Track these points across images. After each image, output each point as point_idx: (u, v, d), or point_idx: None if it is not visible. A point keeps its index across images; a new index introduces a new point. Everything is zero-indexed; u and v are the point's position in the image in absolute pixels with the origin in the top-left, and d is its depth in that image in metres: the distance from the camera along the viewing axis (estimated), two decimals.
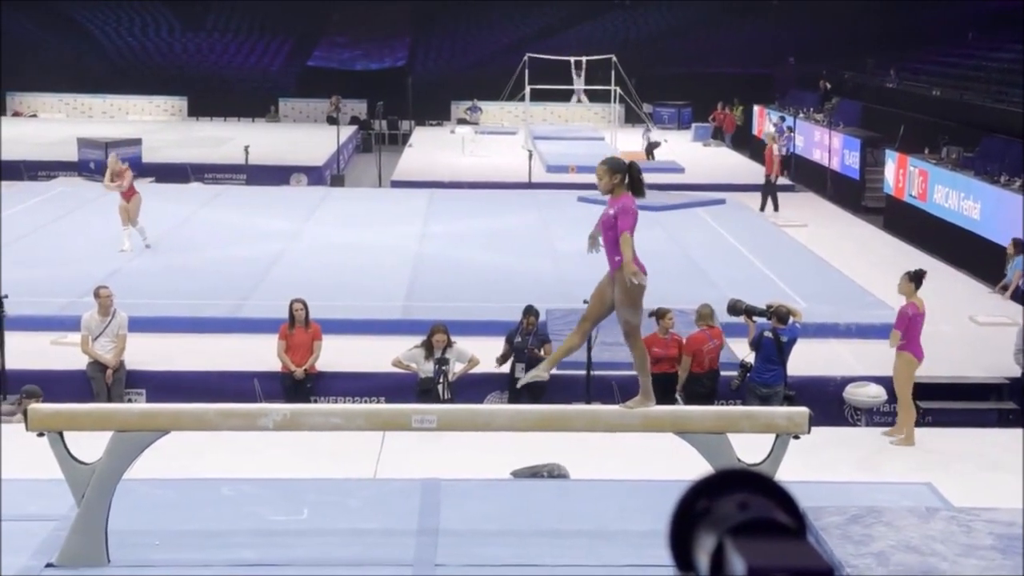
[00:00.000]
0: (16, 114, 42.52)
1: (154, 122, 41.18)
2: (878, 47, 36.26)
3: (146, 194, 19.39)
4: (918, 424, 11.49)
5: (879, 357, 12.45)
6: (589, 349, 12.68)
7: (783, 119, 33.80)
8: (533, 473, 9.87)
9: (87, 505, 7.56)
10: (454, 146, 33.40)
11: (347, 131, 36.16)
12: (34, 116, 42.45)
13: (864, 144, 28.00)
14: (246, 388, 12.97)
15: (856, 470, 10.43)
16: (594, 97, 38.35)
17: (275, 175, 29.18)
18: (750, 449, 7.78)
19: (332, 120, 38.36)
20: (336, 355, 13.43)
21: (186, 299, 15.83)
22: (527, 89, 34.72)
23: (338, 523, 8.54)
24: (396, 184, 28.59)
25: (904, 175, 24.11)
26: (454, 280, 17.35)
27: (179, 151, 31.63)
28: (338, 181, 30.20)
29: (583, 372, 12.44)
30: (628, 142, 34.56)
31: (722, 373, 12.63)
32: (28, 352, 13.34)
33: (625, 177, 7.47)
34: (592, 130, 39.67)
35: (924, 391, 12.99)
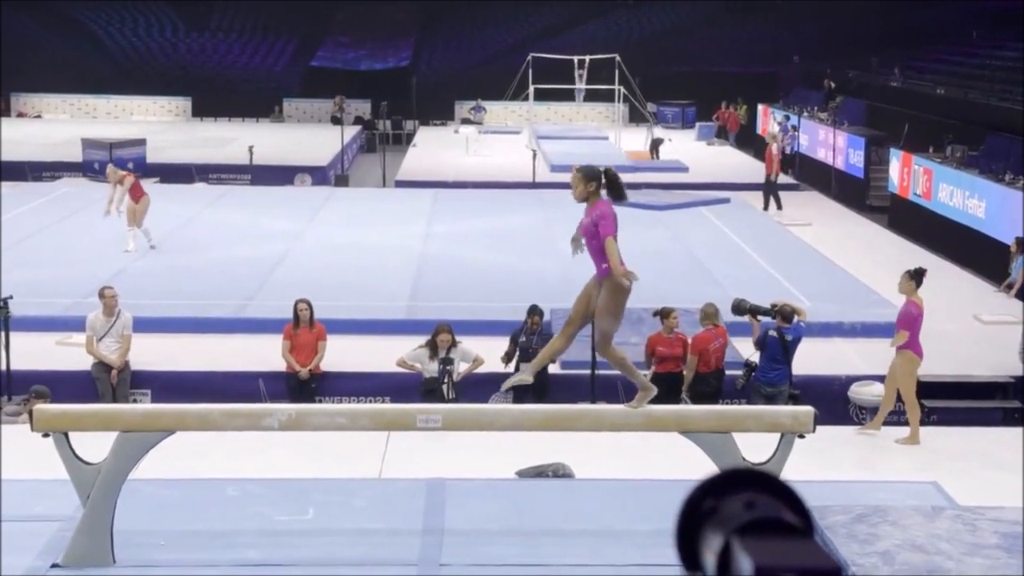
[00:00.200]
0: (21, 115, 42.57)
1: (158, 122, 41.21)
2: (882, 46, 36.23)
3: (150, 194, 19.38)
4: (922, 423, 11.47)
5: (884, 356, 12.42)
6: (593, 349, 12.68)
7: (787, 118, 33.78)
8: (538, 473, 9.86)
9: (92, 505, 7.57)
10: (458, 146, 33.40)
11: (351, 131, 36.17)
12: (38, 117, 42.49)
13: (868, 143, 27.97)
14: (251, 388, 12.97)
15: (861, 469, 10.43)
16: (598, 97, 38.33)
17: (279, 175, 29.19)
18: (755, 448, 7.78)
19: (336, 120, 38.37)
20: (341, 355, 13.43)
21: (191, 299, 15.84)
22: (531, 89, 34.70)
23: (343, 523, 8.55)
24: (400, 184, 28.60)
25: (908, 174, 24.09)
26: (458, 280, 17.35)
27: (183, 151, 31.65)
28: (342, 181, 30.22)
29: (587, 372, 12.43)
30: (632, 141, 34.56)
31: (727, 372, 12.61)
32: (33, 352, 13.36)
33: (600, 184, 7.48)
34: (596, 130, 39.68)
35: (929, 390, 12.98)
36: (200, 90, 43.38)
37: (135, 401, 12.78)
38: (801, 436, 7.77)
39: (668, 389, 12.11)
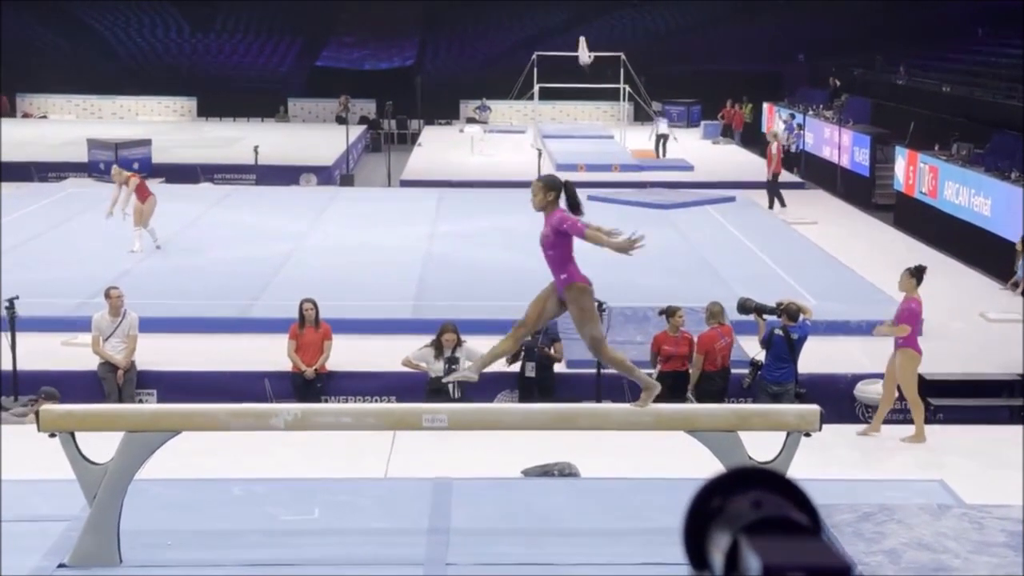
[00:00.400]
0: (26, 115, 42.63)
1: (164, 123, 41.25)
2: (888, 44, 36.19)
3: (156, 195, 19.39)
4: (927, 421, 11.45)
5: (890, 354, 12.41)
6: None
7: (793, 116, 33.76)
8: (544, 472, 9.86)
9: (99, 505, 7.57)
10: (463, 145, 33.39)
11: (356, 131, 36.18)
12: (44, 117, 42.53)
13: (874, 141, 27.93)
14: (257, 388, 12.99)
15: (867, 467, 10.41)
16: (603, 95, 38.35)
17: (285, 175, 29.20)
18: (761, 447, 7.77)
19: (341, 120, 38.36)
20: (346, 355, 13.43)
21: (196, 299, 15.86)
22: (536, 88, 34.68)
23: (349, 523, 8.55)
24: (405, 183, 28.60)
25: (914, 172, 24.06)
26: (464, 279, 17.35)
27: (189, 152, 31.67)
28: (347, 181, 30.23)
29: (593, 371, 12.43)
30: (637, 140, 34.54)
31: (733, 371, 12.60)
32: (39, 353, 13.36)
33: (559, 195, 7.49)
34: (601, 128, 39.67)
35: (935, 388, 12.97)
36: (205, 90, 43.41)
37: (141, 401, 12.80)
38: (807, 435, 7.76)
39: (674, 388, 12.11)
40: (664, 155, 32.31)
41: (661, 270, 17.42)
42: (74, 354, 13.56)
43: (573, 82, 36.34)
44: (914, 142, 25.28)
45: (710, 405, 10.33)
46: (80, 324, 13.89)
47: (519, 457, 10.00)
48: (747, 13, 44.00)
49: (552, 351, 12.74)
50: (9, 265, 16.78)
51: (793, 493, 1.42)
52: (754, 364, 12.46)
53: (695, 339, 12.50)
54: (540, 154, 28.51)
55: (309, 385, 12.90)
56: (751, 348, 12.93)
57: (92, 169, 28.17)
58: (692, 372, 12.34)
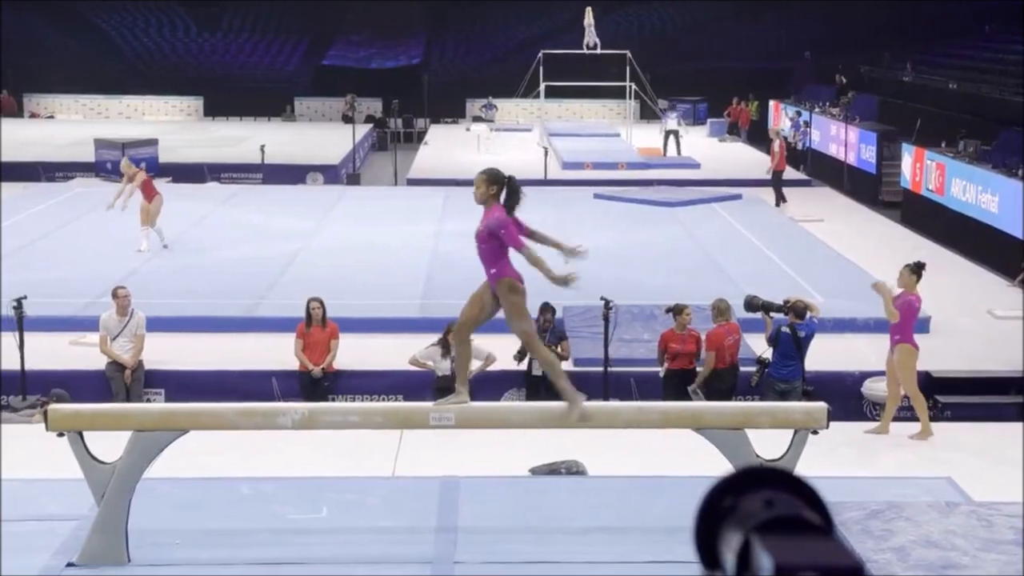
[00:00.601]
0: (33, 115, 42.70)
1: (170, 122, 41.30)
2: (894, 41, 36.15)
3: (163, 194, 19.41)
4: (935, 419, 11.44)
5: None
6: (606, 346, 12.68)
7: (799, 114, 33.72)
8: (551, 470, 9.86)
9: (107, 504, 7.58)
10: (469, 144, 33.39)
11: (362, 129, 36.20)
12: (51, 117, 42.61)
13: (880, 138, 27.89)
14: (264, 387, 13.00)
15: (875, 465, 10.39)
16: (609, 94, 38.33)
17: (291, 174, 29.22)
18: (769, 445, 7.76)
19: (347, 119, 38.40)
20: (353, 353, 13.44)
21: (203, 299, 15.87)
22: (542, 86, 34.68)
23: (357, 521, 8.56)
24: (412, 182, 28.62)
25: (921, 169, 24.02)
26: (470, 277, 17.18)
27: (195, 151, 31.70)
28: (354, 180, 30.25)
29: (600, 369, 12.42)
30: (643, 138, 34.52)
31: (740, 368, 12.58)
32: (47, 352, 13.39)
33: (501, 189, 7.45)
34: (607, 126, 39.66)
35: (942, 385, 12.95)
36: (212, 90, 43.47)
37: (149, 400, 12.81)
38: (815, 432, 7.75)
39: (681, 386, 12.10)
40: (679, 152, 32.08)
41: (668, 268, 17.41)
42: (82, 354, 13.58)
43: (579, 80, 36.33)
44: (921, 139, 25.24)
45: (717, 403, 10.32)
46: (88, 324, 13.91)
47: (526, 455, 10.00)
48: (753, 11, 43.95)
49: (559, 349, 12.73)
50: (17, 265, 16.81)
51: (805, 492, 1.42)
52: (761, 362, 12.44)
53: (702, 337, 12.47)
54: (546, 152, 28.50)
55: (316, 384, 12.90)
56: (758, 346, 12.91)
57: (99, 169, 28.22)
58: (703, 369, 12.29)
